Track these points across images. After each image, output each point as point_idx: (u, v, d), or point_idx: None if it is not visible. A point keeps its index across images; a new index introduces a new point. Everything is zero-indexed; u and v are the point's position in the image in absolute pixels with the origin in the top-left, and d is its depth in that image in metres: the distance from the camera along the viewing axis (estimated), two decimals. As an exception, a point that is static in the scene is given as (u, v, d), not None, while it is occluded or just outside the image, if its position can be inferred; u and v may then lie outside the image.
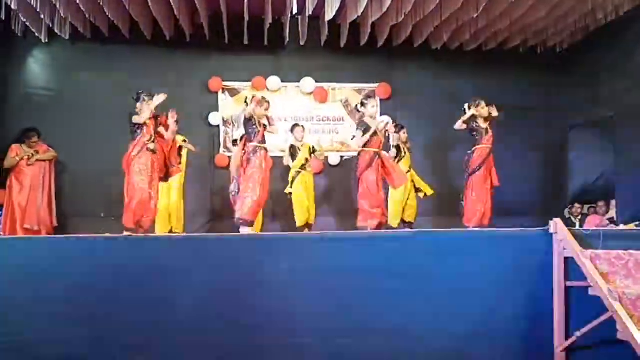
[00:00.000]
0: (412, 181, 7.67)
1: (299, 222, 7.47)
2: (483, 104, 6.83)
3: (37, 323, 4.35)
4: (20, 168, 7.26)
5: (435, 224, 8.03)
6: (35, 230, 7.28)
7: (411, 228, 7.42)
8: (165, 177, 6.47)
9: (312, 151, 7.74)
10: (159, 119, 6.17)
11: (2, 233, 7.00)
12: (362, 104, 6.63)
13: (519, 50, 9.06)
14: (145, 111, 5.92)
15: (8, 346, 4.32)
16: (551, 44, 8.96)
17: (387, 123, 6.87)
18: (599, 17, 7.75)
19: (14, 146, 7.31)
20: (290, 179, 7.54)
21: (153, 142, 5.98)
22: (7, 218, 7.15)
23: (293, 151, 7.65)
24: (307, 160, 7.61)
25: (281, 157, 7.81)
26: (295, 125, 7.86)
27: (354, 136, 6.67)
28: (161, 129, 6.19)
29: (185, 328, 4.47)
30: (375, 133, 6.42)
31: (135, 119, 5.93)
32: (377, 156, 6.44)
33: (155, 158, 6.01)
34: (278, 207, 8.00)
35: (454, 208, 7.10)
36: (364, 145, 6.41)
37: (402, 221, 7.60)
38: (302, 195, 7.49)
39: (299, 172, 7.54)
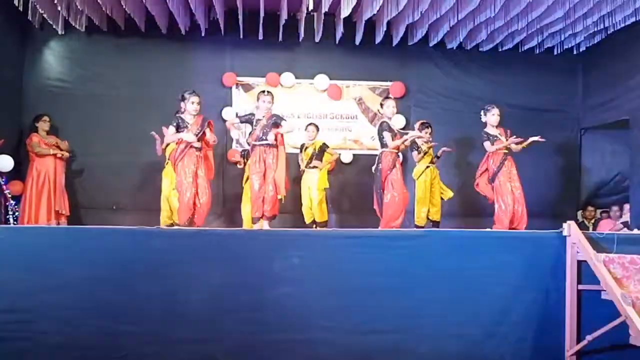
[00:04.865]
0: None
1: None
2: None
3: (49, 312, 4.40)
4: (44, 157, 7.33)
5: (453, 225, 7.98)
6: (66, 215, 7.44)
7: (437, 227, 7.34)
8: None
9: (324, 149, 7.67)
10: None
11: (19, 222, 7.04)
12: (381, 105, 6.63)
13: (535, 52, 8.99)
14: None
15: (20, 335, 4.37)
16: (568, 45, 8.87)
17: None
18: (618, 19, 7.67)
19: (34, 135, 7.38)
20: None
21: (199, 140, 6.03)
22: (30, 206, 7.17)
23: (302, 150, 7.74)
24: (310, 159, 7.60)
25: (296, 154, 7.86)
26: (309, 124, 7.87)
27: (382, 137, 6.43)
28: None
29: (197, 320, 4.50)
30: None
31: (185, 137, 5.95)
32: (398, 157, 6.47)
33: (200, 156, 6.04)
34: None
35: (472, 208, 7.05)
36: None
37: (429, 220, 7.45)
38: (304, 194, 7.59)
39: (303, 171, 7.66)
